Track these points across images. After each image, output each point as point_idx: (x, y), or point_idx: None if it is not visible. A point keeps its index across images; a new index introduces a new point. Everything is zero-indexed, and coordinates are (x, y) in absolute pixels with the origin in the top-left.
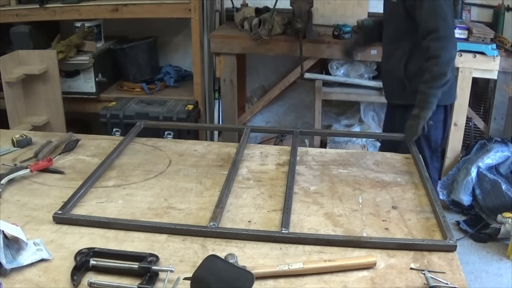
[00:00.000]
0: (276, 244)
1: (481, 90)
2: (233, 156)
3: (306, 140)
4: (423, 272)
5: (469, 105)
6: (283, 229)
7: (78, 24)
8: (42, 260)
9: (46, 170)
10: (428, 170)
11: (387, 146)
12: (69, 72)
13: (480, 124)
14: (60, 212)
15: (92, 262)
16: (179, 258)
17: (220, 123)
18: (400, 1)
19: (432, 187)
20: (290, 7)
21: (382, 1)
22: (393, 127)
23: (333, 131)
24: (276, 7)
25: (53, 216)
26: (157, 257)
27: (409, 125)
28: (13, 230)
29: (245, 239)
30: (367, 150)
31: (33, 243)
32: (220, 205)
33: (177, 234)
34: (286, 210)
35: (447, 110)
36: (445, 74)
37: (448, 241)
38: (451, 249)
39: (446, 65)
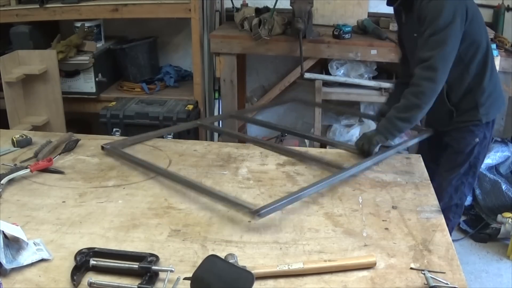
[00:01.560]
0: (276, 244)
1: None
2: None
3: (306, 141)
4: (423, 272)
5: None
6: None
7: (78, 24)
8: (42, 260)
9: (46, 170)
10: (461, 184)
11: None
12: (69, 72)
13: None
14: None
15: (92, 262)
16: (179, 258)
17: (220, 123)
18: (420, 35)
19: None
20: (290, 7)
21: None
22: (436, 151)
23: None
24: (276, 7)
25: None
26: (157, 257)
27: (362, 148)
28: (13, 230)
29: None
30: None
31: (33, 243)
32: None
33: None
34: None
35: (493, 124)
36: (421, 107)
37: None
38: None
39: (423, 98)
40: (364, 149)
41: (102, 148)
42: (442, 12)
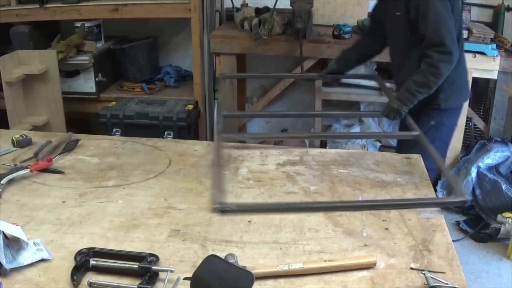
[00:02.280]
0: (276, 244)
1: (481, 90)
2: None
3: (306, 141)
4: (423, 272)
5: (469, 105)
6: None
7: (78, 24)
8: (42, 260)
9: (46, 170)
10: None
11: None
12: (69, 72)
13: (480, 124)
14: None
15: (92, 262)
16: (179, 258)
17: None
18: (403, 14)
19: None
20: (290, 7)
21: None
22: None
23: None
24: (276, 7)
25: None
26: (157, 257)
27: (394, 119)
28: (13, 230)
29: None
30: (367, 150)
31: (33, 243)
32: None
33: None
34: None
35: (453, 112)
36: (436, 84)
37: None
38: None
39: (441, 78)
40: (396, 119)
41: (222, 211)
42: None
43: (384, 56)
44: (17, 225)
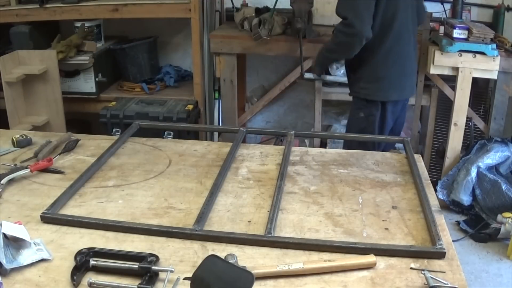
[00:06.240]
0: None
1: (481, 90)
2: (226, 157)
3: (306, 140)
4: (423, 272)
5: (469, 105)
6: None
7: (78, 24)
8: (42, 260)
9: (46, 170)
10: None
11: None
12: (69, 72)
13: (480, 124)
14: (47, 212)
15: (92, 262)
16: (179, 258)
17: (220, 123)
18: None
19: (423, 188)
20: (290, 7)
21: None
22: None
23: (329, 134)
24: (276, 7)
25: (41, 216)
26: (157, 257)
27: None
28: (17, 229)
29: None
30: None
31: (33, 243)
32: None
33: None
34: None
35: (382, 107)
36: (335, 52)
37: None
38: (439, 256)
39: (338, 45)
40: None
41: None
42: None
43: None
44: (20, 224)
